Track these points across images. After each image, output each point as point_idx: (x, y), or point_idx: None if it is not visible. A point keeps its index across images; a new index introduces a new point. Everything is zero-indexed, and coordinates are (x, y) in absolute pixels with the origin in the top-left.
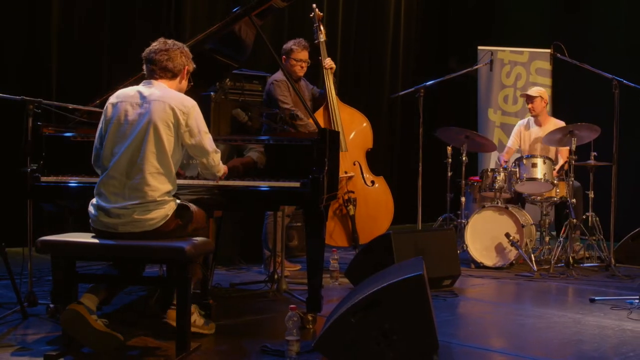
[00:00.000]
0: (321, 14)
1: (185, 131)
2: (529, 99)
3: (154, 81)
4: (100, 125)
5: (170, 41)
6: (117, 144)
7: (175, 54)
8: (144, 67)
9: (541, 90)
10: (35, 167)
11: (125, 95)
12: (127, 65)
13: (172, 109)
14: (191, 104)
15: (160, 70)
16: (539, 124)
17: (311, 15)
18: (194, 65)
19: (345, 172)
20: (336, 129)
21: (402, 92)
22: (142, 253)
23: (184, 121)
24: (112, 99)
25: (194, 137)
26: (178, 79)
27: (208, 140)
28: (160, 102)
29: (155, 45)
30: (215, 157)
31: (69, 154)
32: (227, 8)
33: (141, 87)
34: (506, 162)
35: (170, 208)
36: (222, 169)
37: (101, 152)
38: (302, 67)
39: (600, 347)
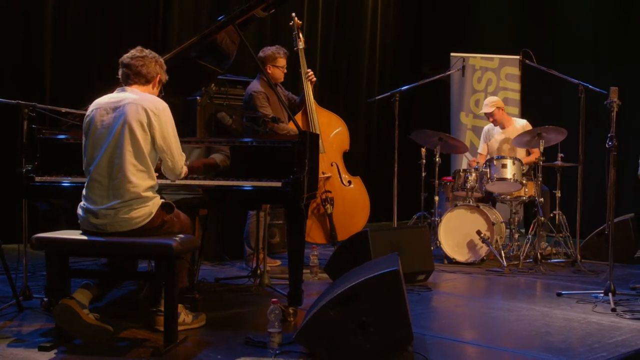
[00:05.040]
0: (300, 22)
1: (156, 132)
2: (488, 115)
3: (127, 87)
4: (83, 135)
5: (147, 50)
6: (97, 148)
7: (150, 61)
8: (120, 71)
9: (493, 101)
10: (30, 168)
11: (100, 103)
12: (117, 71)
13: (145, 110)
14: (162, 106)
15: (134, 75)
16: (502, 127)
17: (291, 23)
18: (167, 77)
19: (323, 173)
20: (314, 132)
21: (379, 97)
22: (131, 249)
23: (156, 122)
24: (90, 107)
25: (164, 139)
26: (150, 85)
27: (176, 144)
28: (134, 104)
29: (132, 52)
30: (181, 161)
31: (62, 155)
32: (212, 16)
33: (115, 94)
34: (477, 163)
35: (154, 205)
36: (184, 172)
37: (85, 159)
38: (284, 73)
39: (566, 338)
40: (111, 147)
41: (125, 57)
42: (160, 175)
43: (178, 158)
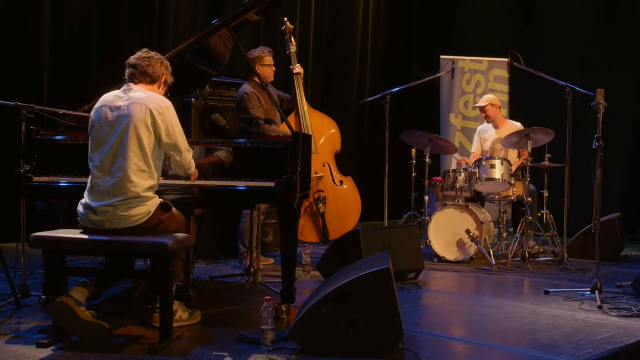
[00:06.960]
0: (292, 26)
1: (161, 130)
2: (481, 109)
3: (132, 85)
4: (89, 130)
5: (153, 52)
6: (101, 145)
7: (156, 62)
8: (126, 71)
9: (489, 98)
10: (28, 168)
11: (105, 100)
12: (114, 72)
13: (149, 109)
14: (166, 105)
15: (140, 74)
16: (496, 126)
17: (282, 27)
18: (172, 79)
19: (315, 173)
20: (306, 133)
21: (370, 98)
22: (127, 248)
23: (161, 121)
24: (96, 104)
25: (169, 136)
26: (156, 85)
27: (181, 139)
28: (138, 103)
29: (138, 53)
30: (188, 155)
31: (59, 156)
32: (207, 20)
33: (120, 92)
34: (466, 163)
35: (152, 205)
36: (194, 166)
37: (89, 155)
38: (273, 70)
39: (553, 335)
40: (115, 146)
41: (132, 58)
42: None
43: (185, 153)
